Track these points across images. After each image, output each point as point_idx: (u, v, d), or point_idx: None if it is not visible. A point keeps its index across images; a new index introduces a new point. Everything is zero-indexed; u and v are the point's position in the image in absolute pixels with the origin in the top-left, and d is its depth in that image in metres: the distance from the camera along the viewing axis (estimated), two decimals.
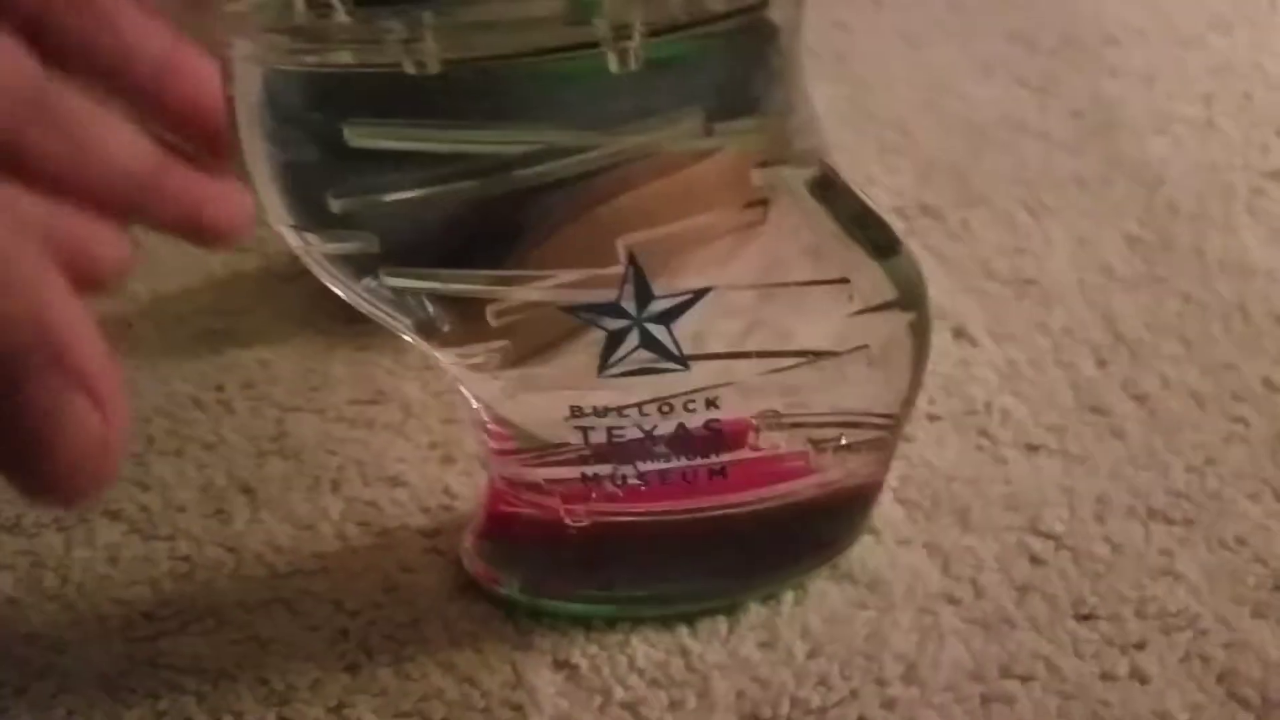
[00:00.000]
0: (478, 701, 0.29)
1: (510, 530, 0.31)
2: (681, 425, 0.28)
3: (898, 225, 0.45)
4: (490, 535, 0.32)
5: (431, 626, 0.31)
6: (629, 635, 0.30)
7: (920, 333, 0.29)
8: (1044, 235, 0.43)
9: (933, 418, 0.36)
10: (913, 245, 0.40)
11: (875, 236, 0.28)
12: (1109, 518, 0.32)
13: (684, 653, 0.29)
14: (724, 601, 0.30)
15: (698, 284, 0.26)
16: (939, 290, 0.41)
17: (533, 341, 0.28)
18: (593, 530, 0.29)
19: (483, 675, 0.29)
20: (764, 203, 0.26)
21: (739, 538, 0.30)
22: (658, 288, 0.26)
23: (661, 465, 0.28)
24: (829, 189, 0.27)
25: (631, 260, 0.25)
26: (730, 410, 0.28)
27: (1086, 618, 0.29)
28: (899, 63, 0.56)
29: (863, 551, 0.31)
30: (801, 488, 0.29)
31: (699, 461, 0.28)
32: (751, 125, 0.26)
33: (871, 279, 0.28)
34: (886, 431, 0.30)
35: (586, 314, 0.26)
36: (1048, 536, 0.32)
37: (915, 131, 0.50)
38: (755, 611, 0.30)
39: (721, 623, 0.30)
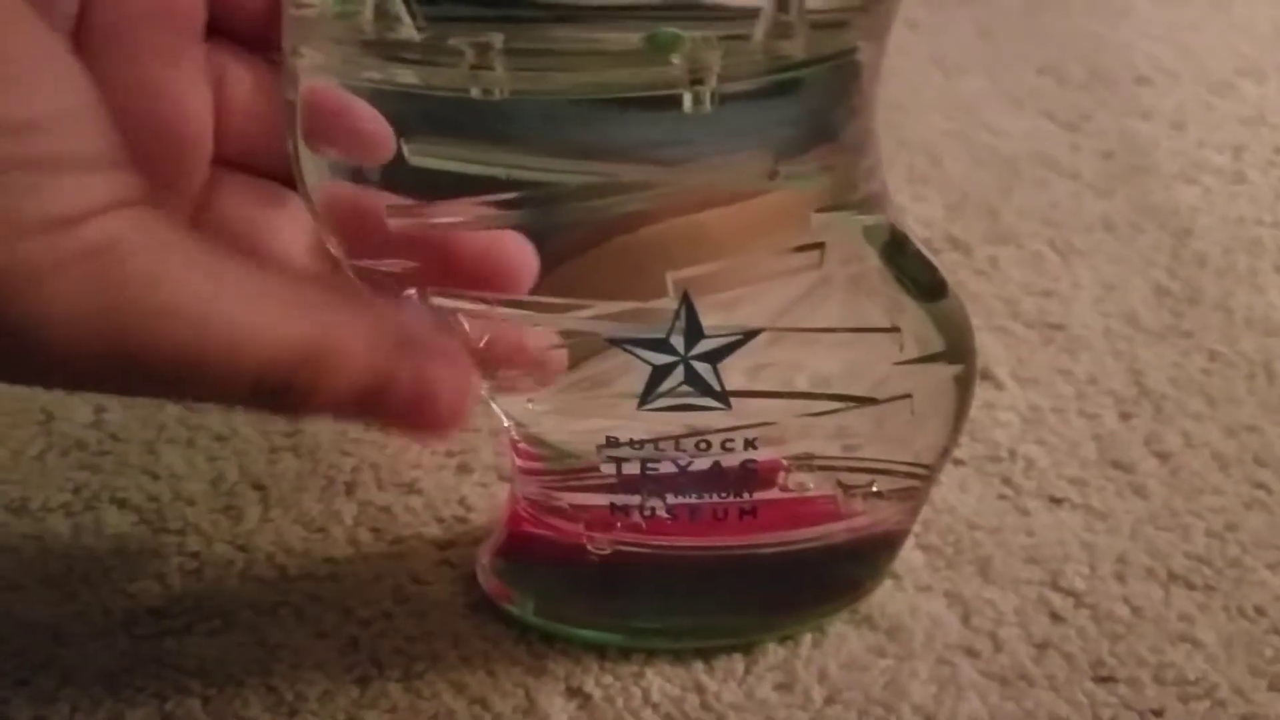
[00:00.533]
0: None
1: (529, 550, 0.31)
2: (716, 463, 0.27)
3: None
4: (508, 553, 0.31)
5: (443, 642, 0.30)
6: (644, 667, 0.29)
7: (965, 386, 0.28)
8: (1072, 278, 0.43)
9: (956, 461, 0.35)
10: None
11: (928, 286, 0.28)
12: (1129, 578, 0.32)
13: (699, 689, 0.29)
14: (741, 640, 0.30)
15: (747, 323, 0.26)
16: None
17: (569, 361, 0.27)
18: (614, 559, 0.29)
19: (494, 698, 0.29)
20: (820, 246, 0.26)
21: (761, 577, 0.29)
22: (705, 324, 0.26)
23: (692, 500, 0.28)
24: (887, 236, 0.27)
25: (685, 299, 0.25)
26: (768, 451, 0.27)
27: (1105, 680, 0.29)
28: (931, 89, 0.56)
29: (883, 597, 0.31)
30: (829, 531, 0.29)
31: (730, 499, 0.28)
32: (817, 169, 0.25)
33: (921, 329, 0.27)
34: (919, 481, 0.29)
35: (632, 347, 0.26)
36: (1068, 593, 0.31)
37: (945, 161, 0.50)
38: (773, 652, 0.30)
39: (738, 661, 0.30)
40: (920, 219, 0.46)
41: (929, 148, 0.51)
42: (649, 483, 0.28)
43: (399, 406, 0.23)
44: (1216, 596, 0.31)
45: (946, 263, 0.44)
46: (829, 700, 0.29)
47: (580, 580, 0.30)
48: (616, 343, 0.26)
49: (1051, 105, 0.54)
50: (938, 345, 0.28)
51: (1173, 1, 0.64)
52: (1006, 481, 0.35)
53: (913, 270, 0.27)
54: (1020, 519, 0.34)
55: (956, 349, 0.28)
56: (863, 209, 0.27)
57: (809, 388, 0.27)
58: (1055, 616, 0.31)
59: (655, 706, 0.29)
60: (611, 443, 0.27)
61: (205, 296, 0.22)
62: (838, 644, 0.30)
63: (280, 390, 0.22)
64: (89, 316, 0.21)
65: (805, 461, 0.28)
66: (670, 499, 0.28)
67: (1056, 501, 0.34)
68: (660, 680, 0.29)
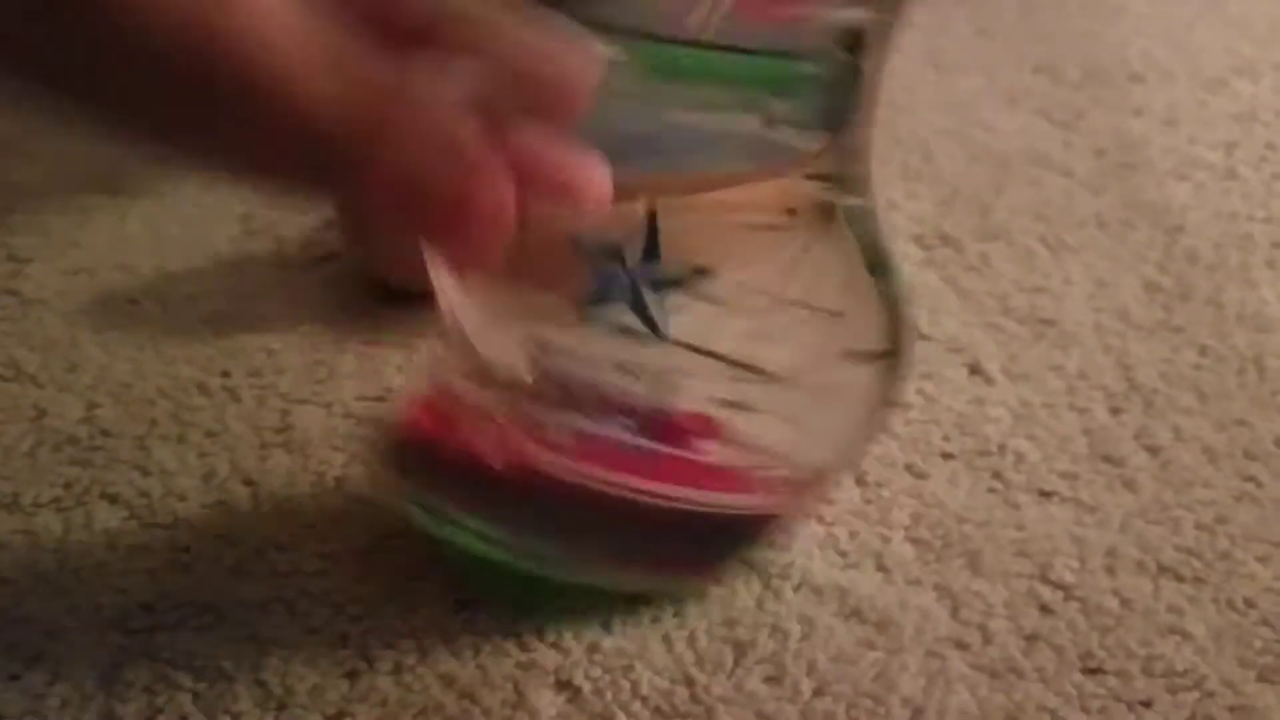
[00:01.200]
0: (478, 718, 0.28)
1: (431, 445, 0.30)
2: (636, 402, 0.27)
3: (917, 254, 0.45)
4: (410, 444, 0.31)
5: (432, 637, 0.30)
6: (633, 660, 0.30)
7: (889, 395, 0.28)
8: (1063, 274, 0.43)
9: (946, 455, 0.35)
10: (931, 276, 0.39)
11: (890, 287, 0.28)
12: (1119, 571, 0.32)
13: (689, 682, 0.29)
14: (604, 587, 0.30)
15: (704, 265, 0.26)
16: (956, 323, 0.41)
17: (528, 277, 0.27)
18: (512, 471, 0.29)
19: (483, 692, 0.29)
20: (793, 211, 0.26)
21: (645, 527, 0.29)
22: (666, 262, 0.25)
23: (602, 432, 0.28)
24: (863, 221, 0.27)
25: (650, 216, 0.25)
26: (686, 402, 0.27)
27: (1094, 671, 0.29)
28: (926, 87, 0.56)
29: (873, 589, 0.31)
30: (723, 501, 0.29)
31: (639, 441, 0.28)
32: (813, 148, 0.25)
33: (868, 326, 0.27)
34: (823, 473, 0.29)
35: (591, 251, 0.25)
36: (1058, 586, 0.31)
37: (938, 158, 0.50)
38: (762, 645, 0.30)
39: (728, 654, 0.30)
40: (912, 216, 0.46)
41: (923, 145, 0.51)
42: (566, 399, 0.27)
43: (440, 207, 0.23)
44: (1206, 589, 0.31)
45: (939, 259, 0.44)
46: (818, 692, 0.29)
47: (473, 484, 0.30)
48: (578, 245, 0.26)
49: (1046, 103, 0.54)
50: (878, 346, 0.27)
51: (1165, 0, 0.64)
52: (996, 475, 0.35)
53: (879, 265, 0.27)
54: (1010, 513, 0.34)
55: (894, 356, 0.28)
56: (846, 188, 0.26)
57: (744, 353, 0.27)
58: (1045, 609, 0.31)
59: (644, 699, 0.29)
60: (542, 347, 0.27)
61: (286, 38, 0.21)
62: (827, 636, 0.30)
63: (336, 154, 0.22)
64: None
65: (716, 428, 0.28)
66: (583, 425, 0.28)
67: (1046, 495, 0.34)
68: (649, 673, 0.29)
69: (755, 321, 0.27)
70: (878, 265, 0.28)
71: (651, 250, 0.25)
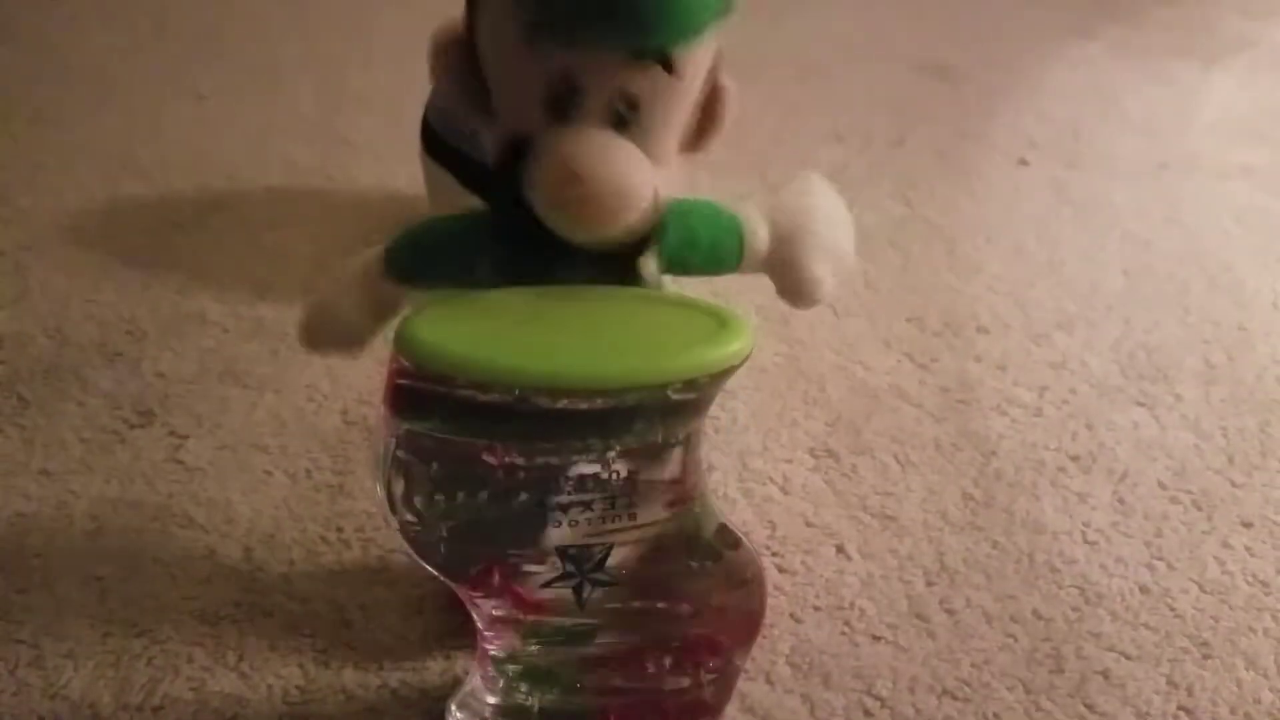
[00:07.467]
0: None
1: None
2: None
3: (809, 461, 0.64)
4: None
5: None
6: None
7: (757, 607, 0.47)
8: (906, 483, 0.62)
9: (816, 608, 0.54)
10: (818, 479, 0.58)
11: (727, 542, 0.46)
12: (918, 691, 0.51)
13: None
14: None
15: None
16: (831, 515, 0.60)
17: None
18: None
19: None
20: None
21: None
22: None
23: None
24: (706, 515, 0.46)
25: (608, 547, 0.44)
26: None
27: None
28: (824, 328, 0.75)
29: (762, 694, 0.50)
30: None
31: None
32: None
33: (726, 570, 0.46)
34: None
35: (569, 557, 0.44)
36: (877, 698, 0.50)
37: (829, 388, 0.70)
38: None
39: None
40: (808, 432, 0.66)
41: (819, 378, 0.70)
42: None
43: None
44: (971, 706, 0.50)
45: (822, 466, 0.63)
46: None
47: None
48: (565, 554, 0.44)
49: (911, 347, 0.74)
50: (738, 581, 0.46)
51: (1016, 260, 0.85)
52: (847, 624, 0.54)
53: (718, 533, 0.46)
54: (852, 649, 0.52)
55: (747, 588, 0.47)
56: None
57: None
58: (868, 714, 0.49)
59: None
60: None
61: None
62: None
63: None
64: None
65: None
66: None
67: (877, 639, 0.53)
68: None
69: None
70: (698, 553, 0.46)
71: (601, 564, 0.44)
